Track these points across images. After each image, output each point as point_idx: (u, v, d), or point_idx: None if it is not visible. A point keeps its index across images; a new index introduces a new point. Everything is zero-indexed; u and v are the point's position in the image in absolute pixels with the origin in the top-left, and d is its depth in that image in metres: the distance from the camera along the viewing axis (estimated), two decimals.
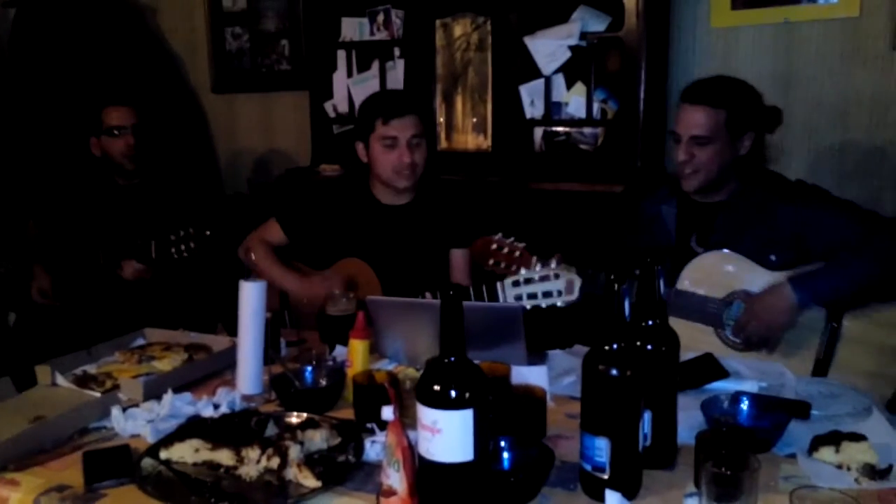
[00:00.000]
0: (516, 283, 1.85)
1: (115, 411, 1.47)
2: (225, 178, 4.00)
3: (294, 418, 1.42)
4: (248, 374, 1.64)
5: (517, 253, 1.97)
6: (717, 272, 2.01)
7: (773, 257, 1.99)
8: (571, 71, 2.91)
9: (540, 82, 2.95)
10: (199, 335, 1.97)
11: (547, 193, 2.85)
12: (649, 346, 1.29)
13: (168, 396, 1.51)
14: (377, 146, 2.21)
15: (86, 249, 2.68)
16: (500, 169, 2.99)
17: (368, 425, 1.40)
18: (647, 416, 1.24)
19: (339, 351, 1.82)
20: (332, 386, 1.58)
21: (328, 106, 3.44)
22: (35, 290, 2.74)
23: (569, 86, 2.93)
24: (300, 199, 2.40)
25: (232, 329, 1.79)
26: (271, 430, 1.34)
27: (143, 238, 2.47)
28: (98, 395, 1.60)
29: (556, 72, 2.92)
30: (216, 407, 1.53)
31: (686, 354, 1.76)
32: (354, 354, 1.60)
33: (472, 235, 2.14)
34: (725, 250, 2.02)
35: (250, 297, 1.65)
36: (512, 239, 1.99)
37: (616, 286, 1.18)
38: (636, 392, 1.18)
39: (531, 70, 2.95)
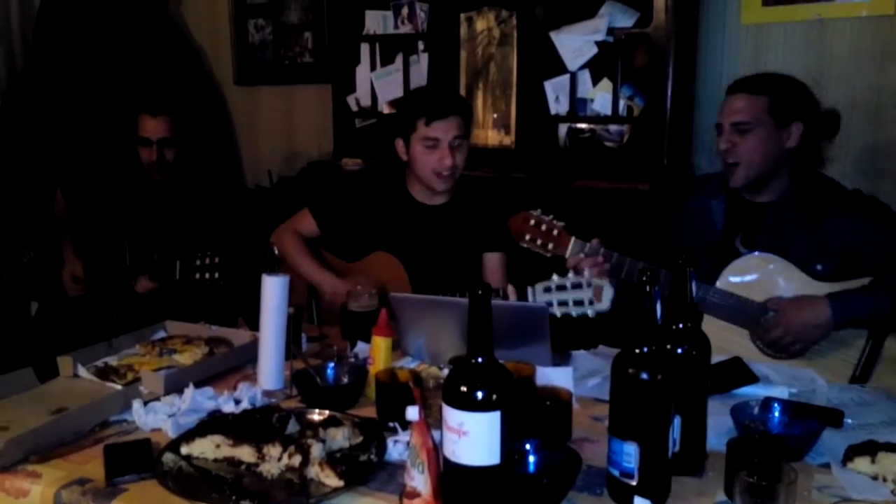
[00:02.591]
0: (548, 290, 1.81)
1: (136, 405, 1.46)
2: (246, 171, 4.00)
3: (316, 416, 1.41)
4: (270, 370, 1.63)
5: (555, 231, 1.93)
6: (760, 275, 1.95)
7: (819, 267, 1.92)
8: (598, 67, 2.88)
9: (565, 78, 2.92)
10: (219, 329, 1.96)
11: (572, 190, 2.82)
12: (680, 350, 1.26)
13: (189, 391, 1.50)
14: (418, 146, 2.16)
15: (114, 237, 2.68)
16: (523, 165, 2.96)
17: (391, 424, 1.38)
18: (676, 421, 1.21)
19: (361, 347, 1.80)
20: (354, 383, 1.56)
21: (351, 99, 3.42)
22: (67, 277, 2.74)
23: (595, 82, 2.89)
24: (335, 192, 2.36)
25: (253, 323, 1.78)
26: (293, 427, 1.32)
27: (163, 255, 2.46)
28: (119, 387, 1.59)
29: (582, 67, 2.88)
30: (237, 402, 1.52)
31: (716, 357, 1.74)
32: (377, 352, 1.58)
33: (508, 240, 2.10)
34: (770, 254, 1.95)
35: (273, 292, 1.63)
36: (551, 217, 1.95)
37: (648, 288, 1.15)
38: (667, 396, 1.15)
39: (556, 65, 2.91)
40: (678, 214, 2.18)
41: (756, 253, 1.97)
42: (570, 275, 1.82)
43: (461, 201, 2.28)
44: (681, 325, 1.27)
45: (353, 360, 1.68)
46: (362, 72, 3.37)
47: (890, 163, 2.74)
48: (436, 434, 1.13)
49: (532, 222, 1.95)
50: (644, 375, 1.15)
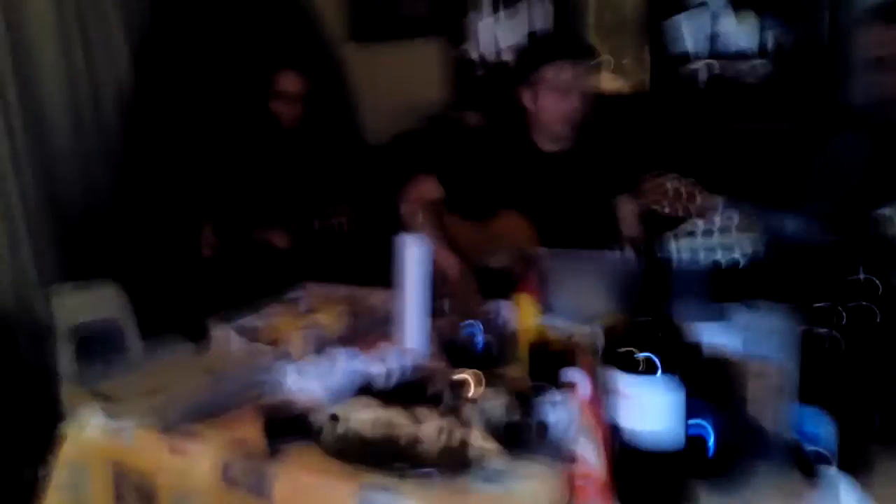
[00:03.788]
0: (691, 234, 1.70)
1: (287, 368, 1.46)
2: (367, 129, 3.98)
3: (471, 382, 1.36)
4: (415, 330, 1.60)
5: (696, 194, 1.79)
6: None
7: None
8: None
9: (702, 12, 2.70)
10: (357, 289, 1.95)
11: (714, 134, 2.64)
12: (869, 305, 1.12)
13: (337, 352, 1.49)
14: (542, 92, 2.10)
15: (245, 196, 2.72)
16: (657, 110, 2.79)
17: (544, 386, 1.31)
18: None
19: (500, 305, 1.74)
20: (503, 345, 1.51)
21: (472, 49, 3.31)
22: (204, 244, 2.83)
23: (736, 14, 2.66)
24: (456, 153, 2.32)
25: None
26: (449, 396, 1.27)
27: (298, 210, 2.49)
28: (268, 350, 1.60)
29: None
30: (384, 364, 1.49)
31: None
32: (524, 310, 1.52)
33: (638, 180, 1.99)
34: None
35: (415, 251, 1.59)
36: (691, 179, 1.82)
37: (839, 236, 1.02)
38: (868, 360, 1.03)
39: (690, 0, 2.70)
40: (824, 156, 2.00)
41: None
42: (717, 217, 1.69)
43: (587, 145, 2.19)
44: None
45: (497, 319, 1.62)
46: (482, 20, 3.25)
47: None
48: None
49: (667, 186, 1.81)
50: (833, 336, 1.03)
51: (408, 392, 1.32)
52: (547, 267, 1.63)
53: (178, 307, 2.64)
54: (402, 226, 2.39)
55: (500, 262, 1.79)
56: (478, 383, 1.32)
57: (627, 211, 2.18)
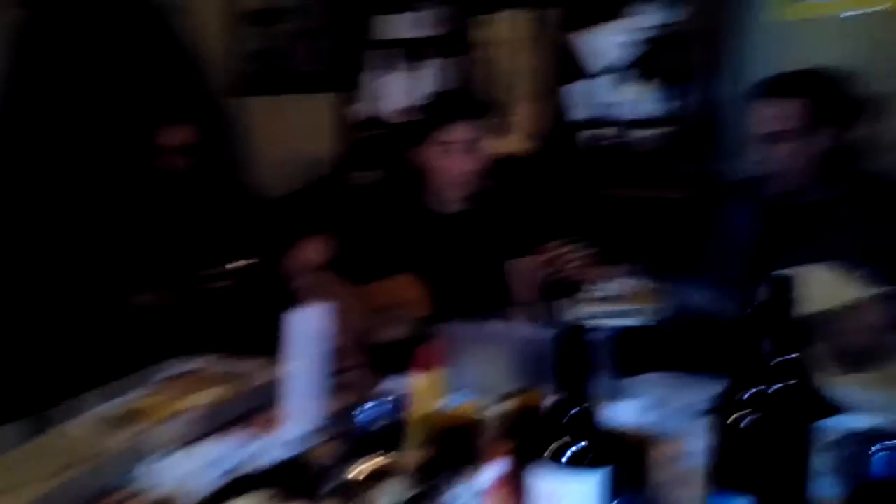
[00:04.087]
0: (591, 300, 1.67)
1: (155, 460, 1.28)
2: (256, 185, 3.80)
3: (369, 469, 1.23)
4: (303, 410, 1.45)
5: (590, 261, 1.78)
6: (818, 286, 1.81)
7: (878, 268, 1.77)
8: (624, 68, 2.72)
9: (588, 82, 2.76)
10: (231, 362, 1.79)
11: (599, 199, 2.67)
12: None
13: (213, 439, 1.32)
14: (436, 152, 2.05)
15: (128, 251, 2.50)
16: (545, 173, 2.80)
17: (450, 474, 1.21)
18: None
19: (395, 381, 1.63)
20: (403, 428, 1.38)
21: (360, 108, 3.25)
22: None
23: (621, 84, 2.73)
24: (346, 212, 2.23)
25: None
26: (344, 486, 1.15)
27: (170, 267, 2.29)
28: (127, 439, 1.41)
29: (608, 69, 2.73)
30: (269, 450, 1.34)
31: None
32: (422, 389, 1.41)
33: (535, 244, 2.00)
34: (828, 263, 1.79)
35: (309, 319, 1.46)
36: (584, 245, 1.80)
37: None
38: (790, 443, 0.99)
39: (578, 68, 2.76)
40: (715, 228, 2.06)
41: (809, 264, 1.83)
42: (613, 282, 1.68)
43: (484, 207, 2.15)
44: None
45: (391, 397, 1.49)
46: (372, 79, 3.20)
47: None
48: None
49: (563, 255, 1.80)
50: (757, 420, 0.98)
51: (298, 482, 1.18)
52: (449, 339, 1.53)
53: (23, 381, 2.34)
54: (288, 291, 2.26)
55: (397, 333, 1.68)
56: (376, 471, 1.20)
57: (523, 275, 2.14)
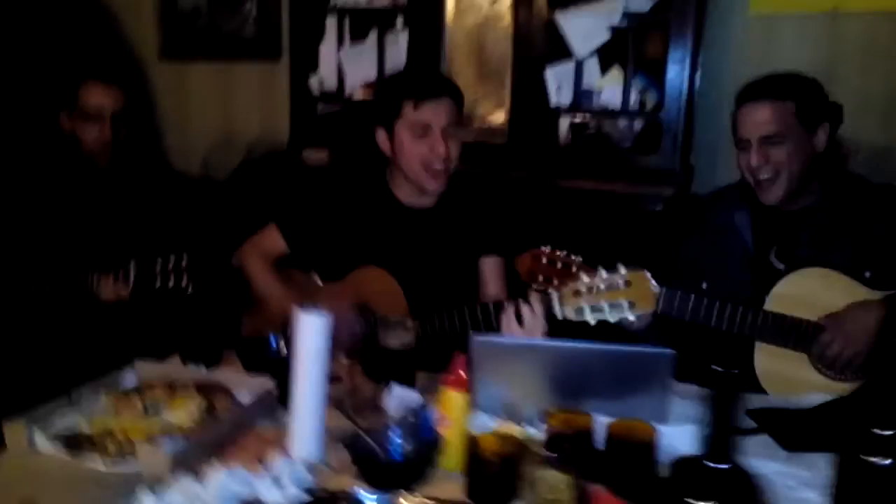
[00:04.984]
0: (577, 294, 1.55)
1: (142, 496, 1.05)
2: (174, 160, 3.45)
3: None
4: (309, 435, 1.25)
5: (574, 268, 1.65)
6: (810, 291, 1.76)
7: (867, 273, 1.76)
8: (608, 54, 2.59)
9: (569, 65, 2.61)
10: (201, 369, 1.55)
11: (576, 193, 2.53)
12: None
13: (215, 473, 1.10)
14: (405, 134, 1.83)
15: (54, 254, 2.14)
16: (518, 163, 2.64)
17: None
18: None
19: (397, 392, 1.45)
20: (427, 452, 1.21)
21: (313, 81, 2.98)
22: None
23: (603, 71, 2.60)
24: (303, 199, 1.99)
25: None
26: None
27: (121, 254, 1.97)
28: (101, 467, 1.17)
29: (591, 54, 2.59)
30: (277, 483, 1.13)
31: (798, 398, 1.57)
32: (452, 409, 1.23)
33: (506, 241, 1.91)
34: (815, 267, 1.78)
35: (311, 333, 1.25)
36: (565, 252, 1.67)
37: None
38: None
39: (559, 51, 2.60)
40: (699, 234, 1.98)
41: (804, 269, 1.79)
42: (602, 272, 1.56)
43: (451, 202, 1.95)
44: None
45: (414, 419, 1.31)
46: (328, 49, 2.94)
47: None
48: None
49: (545, 261, 1.66)
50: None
51: None
52: (480, 356, 1.36)
53: None
54: (243, 286, 2.02)
55: (398, 341, 1.48)
56: None
57: (492, 269, 1.99)
